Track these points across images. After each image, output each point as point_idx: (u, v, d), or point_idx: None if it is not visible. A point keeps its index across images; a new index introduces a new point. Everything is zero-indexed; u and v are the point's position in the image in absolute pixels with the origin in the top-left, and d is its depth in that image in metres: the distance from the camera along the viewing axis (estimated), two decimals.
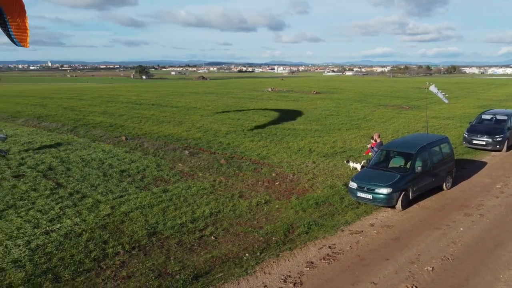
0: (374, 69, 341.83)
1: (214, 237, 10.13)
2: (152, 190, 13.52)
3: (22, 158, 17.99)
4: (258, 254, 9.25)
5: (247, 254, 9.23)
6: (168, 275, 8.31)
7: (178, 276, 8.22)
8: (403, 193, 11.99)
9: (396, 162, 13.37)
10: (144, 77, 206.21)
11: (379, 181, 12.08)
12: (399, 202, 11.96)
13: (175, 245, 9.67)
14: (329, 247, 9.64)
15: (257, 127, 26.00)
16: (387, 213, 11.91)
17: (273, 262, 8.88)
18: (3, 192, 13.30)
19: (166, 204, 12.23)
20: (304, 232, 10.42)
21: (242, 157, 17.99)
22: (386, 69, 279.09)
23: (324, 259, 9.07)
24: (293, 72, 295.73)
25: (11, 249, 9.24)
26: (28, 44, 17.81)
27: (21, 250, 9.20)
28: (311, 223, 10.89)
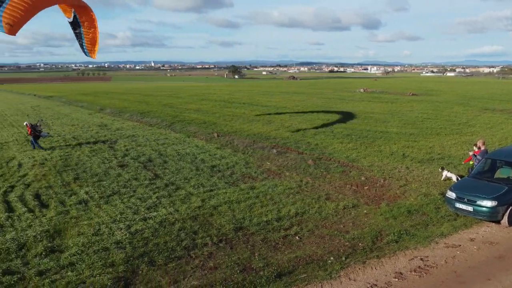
0: (481, 69, 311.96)
1: (298, 237, 10.10)
2: (240, 186, 13.91)
3: (127, 150, 19.78)
4: (344, 259, 9.00)
5: (332, 258, 9.03)
6: (252, 270, 8.48)
7: (261, 273, 8.34)
8: (510, 207, 10.76)
9: (504, 172, 12.03)
10: (236, 76, 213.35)
11: (482, 192, 10.99)
12: (506, 217, 10.74)
13: (260, 241, 9.83)
14: (421, 259, 9.02)
15: (346, 128, 25.35)
16: (490, 228, 10.78)
17: (359, 268, 8.57)
18: (110, 180, 14.75)
19: (253, 201, 12.49)
20: (394, 240, 9.89)
21: (330, 159, 17.67)
22: (495, 70, 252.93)
23: (414, 271, 8.51)
24: (387, 72, 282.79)
25: (114, 231, 10.19)
26: (95, 56, 19.32)
27: (122, 233, 10.10)
28: (401, 232, 10.30)
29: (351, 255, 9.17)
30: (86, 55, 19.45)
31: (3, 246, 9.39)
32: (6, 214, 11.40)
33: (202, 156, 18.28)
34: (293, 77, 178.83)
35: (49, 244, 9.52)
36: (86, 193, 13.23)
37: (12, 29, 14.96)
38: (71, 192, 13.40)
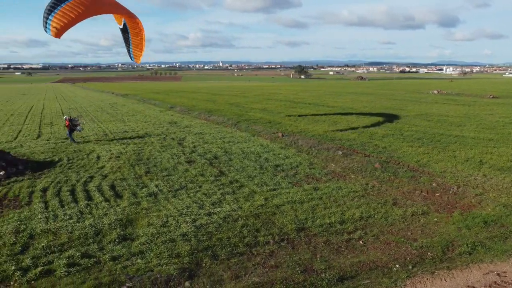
0: None
1: (362, 241, 9.81)
2: (303, 187, 13.82)
3: (194, 147, 20.54)
4: (410, 267, 8.59)
5: (397, 265, 8.66)
6: (313, 271, 8.39)
7: (323, 275, 8.22)
8: None
9: None
10: (302, 76, 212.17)
11: None
12: None
13: (322, 243, 9.70)
14: (498, 274, 8.33)
15: (417, 131, 24.14)
16: None
17: (427, 279, 8.12)
18: (178, 174, 15.41)
19: (316, 202, 12.35)
20: (467, 252, 9.24)
21: (399, 163, 16.94)
22: None
23: (489, 286, 7.88)
24: (465, 73, 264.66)
25: (181, 224, 10.62)
26: (139, 61, 20.22)
27: (188, 226, 10.49)
28: (476, 244, 9.59)
29: (419, 264, 8.72)
30: (132, 59, 20.60)
31: (82, 231, 10.19)
32: (86, 202, 12.38)
33: (266, 155, 18.43)
34: (362, 78, 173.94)
35: (121, 232, 10.16)
36: (156, 186, 13.94)
37: (58, 33, 16.17)
38: (142, 185, 14.20)
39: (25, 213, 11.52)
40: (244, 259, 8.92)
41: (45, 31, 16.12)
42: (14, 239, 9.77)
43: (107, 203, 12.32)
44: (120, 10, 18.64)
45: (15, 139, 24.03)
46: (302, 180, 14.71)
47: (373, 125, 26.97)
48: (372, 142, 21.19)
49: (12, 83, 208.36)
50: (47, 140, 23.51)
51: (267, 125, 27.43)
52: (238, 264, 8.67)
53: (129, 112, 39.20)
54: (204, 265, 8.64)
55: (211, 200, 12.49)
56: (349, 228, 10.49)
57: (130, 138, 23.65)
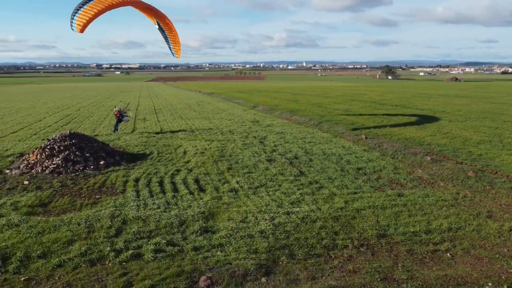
0: None
1: (450, 254, 9.12)
2: (386, 192, 13.25)
3: (275, 146, 20.75)
4: (505, 287, 7.79)
5: (489, 283, 7.91)
6: (393, 281, 8.00)
7: (404, 285, 7.81)
8: None
9: None
10: (389, 77, 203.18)
11: None
12: None
13: (404, 252, 9.21)
14: None
15: None
16: None
17: None
18: (259, 172, 15.69)
19: (400, 208, 11.76)
20: None
21: (497, 172, 15.44)
22: None
23: None
24: None
25: (259, 221, 10.80)
26: (179, 55, 21.36)
27: (266, 223, 10.64)
28: None
29: None
30: (173, 55, 21.90)
31: (168, 220, 10.87)
32: (172, 193, 13.17)
33: (348, 157, 17.98)
34: (456, 79, 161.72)
35: (203, 224, 10.64)
36: (237, 182, 14.34)
37: (82, 28, 17.81)
38: (224, 180, 14.70)
39: (119, 200, 12.60)
40: (321, 261, 8.81)
41: (71, 29, 17.99)
42: (110, 223, 10.73)
43: (191, 195, 12.98)
44: (139, 4, 19.38)
45: (113, 133, 26.35)
46: (385, 185, 14.10)
47: (467, 129, 24.91)
48: (466, 148, 19.58)
49: (112, 81, 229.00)
50: (141, 134, 25.44)
51: (350, 126, 26.75)
52: (315, 266, 8.59)
53: (214, 110, 40.85)
54: (281, 263, 8.70)
55: (290, 200, 12.52)
56: (436, 239, 9.83)
57: (214, 134, 24.63)
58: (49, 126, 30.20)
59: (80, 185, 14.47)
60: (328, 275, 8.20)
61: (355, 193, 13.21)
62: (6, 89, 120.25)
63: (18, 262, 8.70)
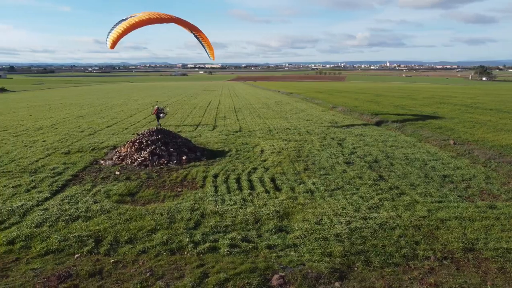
0: None
1: None
2: (476, 203, 12.20)
3: (354, 148, 20.17)
4: None
5: None
6: None
7: None
8: None
9: None
10: (484, 78, 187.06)
11: None
12: None
13: (495, 270, 8.40)
14: None
15: None
16: None
17: None
18: (336, 174, 15.37)
19: (491, 222, 10.76)
20: None
21: None
22: None
23: None
24: None
25: (335, 224, 10.58)
26: (214, 57, 23.32)
27: (342, 227, 10.38)
28: None
29: None
30: (209, 58, 23.95)
31: (244, 217, 11.11)
32: (249, 191, 13.43)
33: (433, 164, 16.88)
34: None
35: (278, 223, 10.70)
36: (313, 184, 14.19)
37: (113, 45, 19.50)
38: (300, 181, 14.64)
39: (199, 194, 13.16)
40: (400, 270, 8.38)
41: (106, 44, 20.07)
42: (189, 216, 11.25)
43: (267, 194, 13.12)
44: (168, 19, 20.64)
45: (195, 129, 27.66)
46: (475, 195, 13.00)
47: None
48: None
49: (196, 80, 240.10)
50: (220, 132, 26.33)
51: (436, 130, 25.07)
52: (392, 275, 8.19)
53: (292, 110, 40.89)
54: (356, 269, 8.44)
55: (368, 204, 12.09)
56: None
57: (291, 134, 24.65)
58: (138, 121, 32.54)
59: (164, 178, 15.38)
60: (407, 286, 7.78)
61: (440, 202, 12.35)
62: (103, 87, 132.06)
63: (109, 245, 9.50)
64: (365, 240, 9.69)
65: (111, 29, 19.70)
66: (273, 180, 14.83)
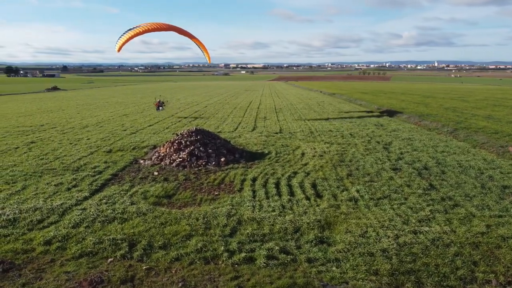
0: None
1: None
2: None
3: (401, 153, 18.98)
4: None
5: None
6: None
7: None
8: None
9: None
10: None
11: None
12: None
13: None
14: None
15: None
16: None
17: None
18: (382, 182, 14.40)
19: None
20: None
21: None
22: None
23: None
24: None
25: (381, 238, 9.73)
26: (210, 60, 23.99)
27: (389, 241, 9.52)
28: None
29: None
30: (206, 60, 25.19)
31: (282, 225, 10.49)
32: (288, 197, 12.79)
33: (491, 172, 15.47)
34: None
35: (319, 234, 10.00)
36: (357, 191, 13.33)
37: (119, 49, 20.83)
38: (343, 188, 13.81)
39: (236, 199, 12.68)
40: None
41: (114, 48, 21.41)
42: (225, 222, 10.78)
43: (308, 201, 12.42)
44: (166, 28, 21.98)
45: (235, 130, 27.32)
46: None
47: None
48: None
49: (237, 80, 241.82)
50: (260, 133, 25.82)
51: (493, 136, 23.24)
52: None
53: (335, 111, 39.71)
54: None
55: (418, 216, 11.10)
56: None
57: (334, 137, 23.72)
58: (179, 121, 32.71)
59: (201, 180, 15.07)
60: None
61: (500, 216, 11.15)
62: (149, 86, 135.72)
63: (142, 250, 9.21)
64: (416, 258, 8.79)
65: (120, 37, 22.09)
66: (314, 185, 14.11)
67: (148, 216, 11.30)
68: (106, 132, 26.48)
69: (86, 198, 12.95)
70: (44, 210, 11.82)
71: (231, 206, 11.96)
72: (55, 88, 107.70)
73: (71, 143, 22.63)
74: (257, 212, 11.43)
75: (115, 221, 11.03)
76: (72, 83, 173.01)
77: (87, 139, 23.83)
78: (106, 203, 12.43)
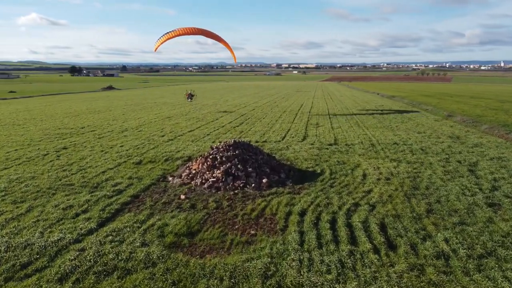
0: None
1: None
2: None
3: (494, 179, 14.69)
4: None
5: None
6: None
7: None
8: None
9: None
10: None
11: None
12: None
13: None
14: None
15: None
16: None
17: None
18: (478, 226, 10.43)
19: None
20: None
21: None
22: None
23: None
24: None
25: None
26: (236, 60, 29.74)
27: None
28: None
29: None
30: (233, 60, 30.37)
31: None
32: (349, 246, 9.30)
33: None
34: None
35: None
36: (446, 241, 9.58)
37: (156, 48, 26.37)
38: (424, 233, 10.10)
39: (278, 246, 9.45)
40: None
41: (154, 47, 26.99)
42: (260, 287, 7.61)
43: (377, 256, 8.90)
44: (197, 32, 27.05)
45: (283, 139, 23.99)
46: None
47: None
48: None
49: (289, 80, 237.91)
50: (312, 144, 22.31)
51: None
52: None
53: (397, 117, 35.17)
54: None
55: None
56: None
57: (401, 152, 19.71)
58: (222, 126, 29.97)
59: (236, 210, 11.99)
60: None
61: None
62: (201, 85, 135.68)
63: None
64: None
65: (158, 39, 26.49)
66: (383, 227, 10.52)
67: (158, 268, 8.42)
68: (142, 138, 24.29)
69: (90, 232, 10.34)
70: (35, 248, 9.40)
71: (270, 258, 8.77)
72: (110, 88, 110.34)
73: (102, 151, 20.57)
74: (305, 274, 8.12)
75: (115, 273, 8.28)
76: (128, 82, 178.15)
77: (120, 146, 21.69)
78: (111, 241, 9.74)
